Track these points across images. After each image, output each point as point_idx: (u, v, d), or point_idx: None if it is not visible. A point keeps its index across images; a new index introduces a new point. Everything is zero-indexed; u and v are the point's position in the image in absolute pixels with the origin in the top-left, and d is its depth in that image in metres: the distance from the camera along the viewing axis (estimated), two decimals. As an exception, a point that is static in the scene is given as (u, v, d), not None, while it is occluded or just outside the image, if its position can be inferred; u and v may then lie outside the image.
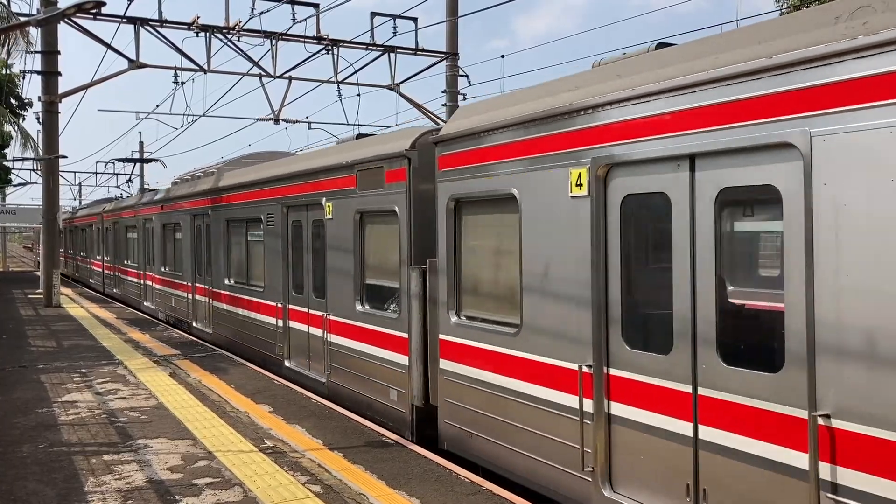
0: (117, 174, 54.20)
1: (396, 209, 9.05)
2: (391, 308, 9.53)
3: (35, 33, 23.30)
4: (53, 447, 8.26)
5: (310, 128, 27.12)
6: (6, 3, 23.26)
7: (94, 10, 16.30)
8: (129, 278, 25.77)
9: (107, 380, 12.01)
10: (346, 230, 10.32)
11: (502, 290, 7.51)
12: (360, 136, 11.79)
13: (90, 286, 34.29)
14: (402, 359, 9.03)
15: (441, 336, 8.24)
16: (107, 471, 7.43)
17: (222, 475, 7.27)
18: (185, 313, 18.85)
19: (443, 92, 24.17)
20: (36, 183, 47.14)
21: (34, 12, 23.48)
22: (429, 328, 8.56)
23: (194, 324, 17.97)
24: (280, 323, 12.65)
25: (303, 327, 11.87)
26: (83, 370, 12.89)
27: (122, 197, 37.98)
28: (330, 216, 10.69)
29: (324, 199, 10.84)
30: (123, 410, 9.94)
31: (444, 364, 8.19)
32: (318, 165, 11.16)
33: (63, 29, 23.57)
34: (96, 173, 54.67)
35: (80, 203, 59.29)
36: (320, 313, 11.10)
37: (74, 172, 61.49)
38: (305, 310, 11.73)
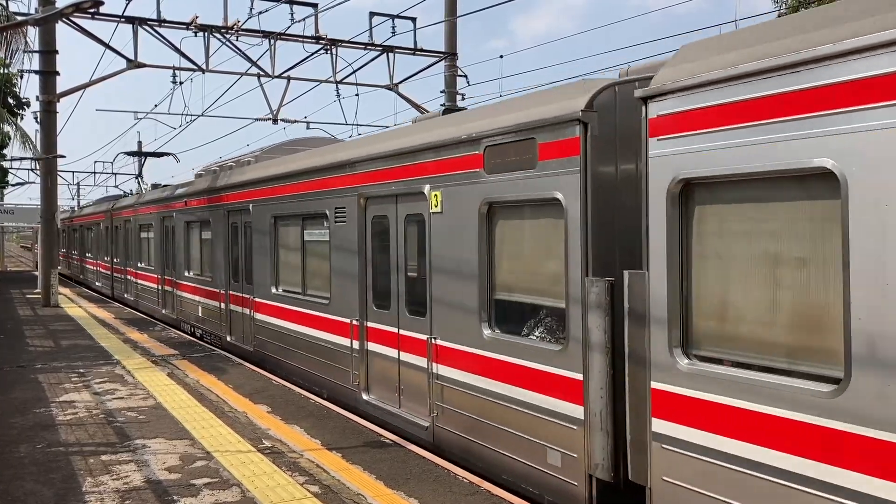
0: (116, 174, 54.23)
1: (561, 197, 6.45)
2: (538, 334, 7.01)
3: (33, 33, 23.29)
4: (51, 447, 8.25)
5: (308, 128, 27.12)
6: (4, 3, 23.23)
7: (92, 10, 16.29)
8: (144, 283, 23.06)
9: (105, 380, 12.00)
10: (466, 227, 7.76)
11: (790, 320, 4.80)
12: (447, 110, 9.69)
13: (96, 290, 31.61)
14: (573, 409, 6.40)
15: (656, 385, 5.55)
16: (104, 471, 7.42)
17: (220, 475, 7.26)
18: (216, 325, 16.10)
19: (441, 92, 24.18)
20: (34, 183, 47.14)
21: (32, 12, 23.45)
22: (628, 371, 5.83)
23: (228, 338, 15.28)
24: (355, 345, 10.00)
25: (389, 352, 9.31)
26: (81, 370, 12.88)
27: (131, 193, 34.45)
28: (437, 209, 8.23)
29: (426, 187, 8.40)
30: (121, 410, 9.93)
31: (664, 426, 5.49)
32: (419, 143, 8.56)
33: (61, 28, 23.56)
34: (94, 173, 54.72)
35: (79, 202, 59.23)
36: (421, 336, 8.58)
37: (73, 172, 61.59)
38: (394, 330, 9.24)
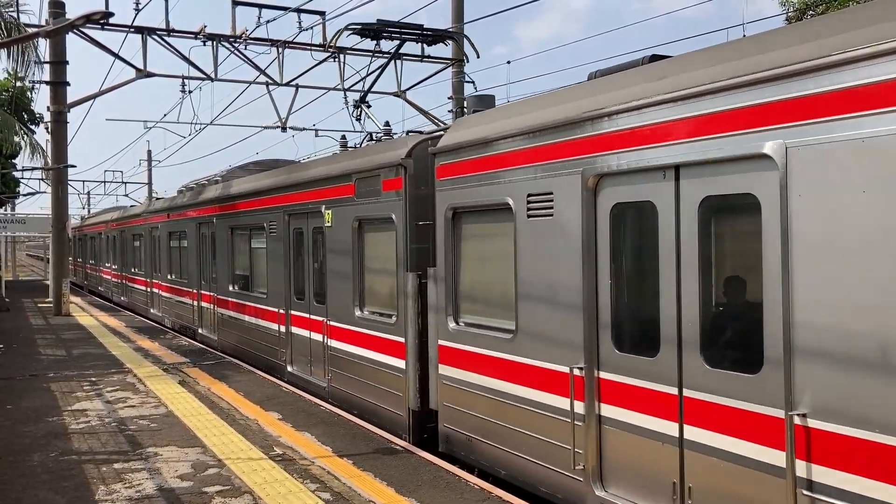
0: (126, 182, 54.52)
1: None
2: None
3: (43, 44, 23.49)
4: (64, 455, 8.29)
5: (317, 135, 27.24)
6: (16, 15, 23.43)
7: (102, 21, 16.42)
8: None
9: (116, 388, 12.05)
10: None
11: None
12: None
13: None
14: None
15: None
16: (117, 479, 7.45)
17: (232, 483, 7.28)
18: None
19: (448, 98, 24.21)
20: (45, 192, 47.40)
21: (42, 23, 23.65)
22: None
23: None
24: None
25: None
26: (93, 378, 12.94)
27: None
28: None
29: None
30: (133, 419, 9.97)
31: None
32: None
33: (70, 38, 23.74)
34: (105, 182, 55.07)
35: (90, 211, 59.35)
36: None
37: (83, 181, 62.01)
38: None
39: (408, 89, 23.85)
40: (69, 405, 10.83)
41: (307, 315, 11.88)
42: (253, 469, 7.71)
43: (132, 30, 19.65)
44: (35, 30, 20.52)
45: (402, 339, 9.04)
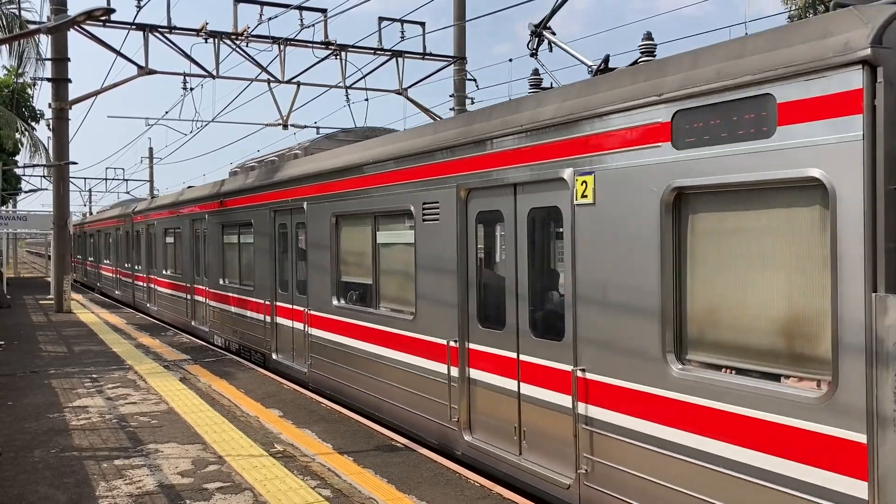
0: (128, 180, 54.61)
1: None
2: None
3: (45, 41, 23.51)
4: (65, 452, 8.31)
5: (318, 132, 27.21)
6: (17, 12, 23.45)
7: (103, 18, 16.41)
8: None
9: (117, 385, 12.06)
10: None
11: None
12: None
13: None
14: None
15: None
16: (118, 475, 7.46)
17: (232, 479, 7.29)
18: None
19: (451, 96, 24.20)
20: (46, 189, 47.47)
21: (44, 19, 23.65)
22: None
23: None
24: None
25: None
26: (94, 375, 12.95)
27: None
28: None
29: None
30: (134, 415, 9.98)
31: None
32: None
33: (72, 35, 23.73)
34: (106, 179, 55.20)
35: (91, 209, 59.35)
36: None
37: (84, 179, 62.23)
38: None
39: (409, 87, 23.83)
40: (70, 402, 10.84)
41: (512, 355, 7.42)
42: (253, 466, 7.71)
43: (134, 27, 19.65)
44: (37, 26, 20.51)
45: (855, 437, 4.34)
